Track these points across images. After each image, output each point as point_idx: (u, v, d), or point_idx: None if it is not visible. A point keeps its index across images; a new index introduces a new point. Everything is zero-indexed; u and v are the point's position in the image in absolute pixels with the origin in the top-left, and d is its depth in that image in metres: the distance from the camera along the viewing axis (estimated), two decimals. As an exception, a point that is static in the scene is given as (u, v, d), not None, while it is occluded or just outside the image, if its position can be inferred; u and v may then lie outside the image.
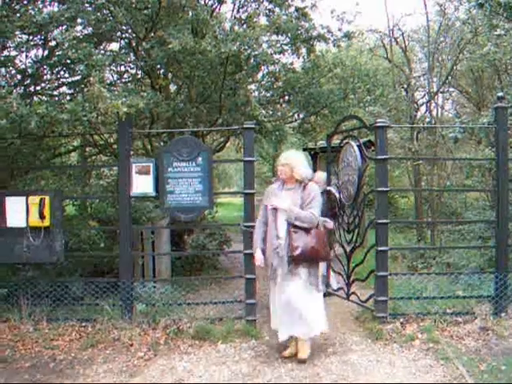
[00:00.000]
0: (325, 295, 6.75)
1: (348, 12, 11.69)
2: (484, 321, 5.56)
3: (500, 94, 6.06)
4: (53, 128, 6.14)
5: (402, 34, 13.13)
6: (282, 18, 7.91)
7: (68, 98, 6.75)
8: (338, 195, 6.83)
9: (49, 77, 7.02)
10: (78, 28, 6.45)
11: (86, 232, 7.16)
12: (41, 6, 6.39)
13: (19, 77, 6.60)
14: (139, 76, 8.92)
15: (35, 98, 6.72)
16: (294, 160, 4.82)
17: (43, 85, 7.11)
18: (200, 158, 5.82)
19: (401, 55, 13.77)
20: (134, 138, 8.18)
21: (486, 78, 11.93)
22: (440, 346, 5.06)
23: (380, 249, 5.73)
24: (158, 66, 8.26)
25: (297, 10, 8.37)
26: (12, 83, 6.33)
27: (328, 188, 6.95)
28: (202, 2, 8.04)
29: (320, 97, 9.76)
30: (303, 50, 8.99)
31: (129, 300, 5.80)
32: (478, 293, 6.20)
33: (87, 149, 10.30)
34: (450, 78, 12.06)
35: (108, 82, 7.33)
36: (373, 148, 7.50)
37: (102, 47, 7.76)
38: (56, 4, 6.63)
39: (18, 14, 5.79)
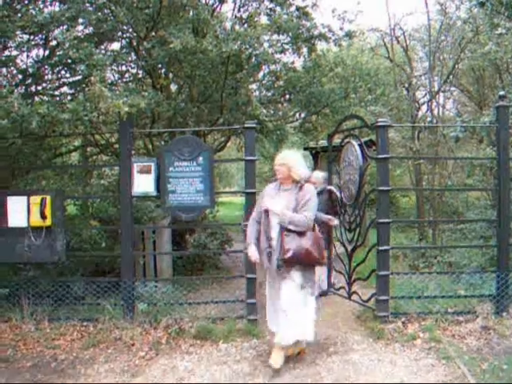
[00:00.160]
0: (322, 295, 6.78)
1: (349, 11, 11.68)
2: (485, 320, 5.55)
3: (501, 92, 6.05)
4: (54, 128, 6.14)
5: (403, 33, 13.13)
6: (283, 17, 7.92)
7: (69, 97, 6.75)
8: (339, 194, 6.82)
9: (50, 77, 7.03)
10: (79, 28, 6.46)
11: (87, 232, 7.16)
12: (42, 5, 6.41)
13: (20, 77, 6.60)
14: (140, 75, 8.91)
15: (36, 98, 6.73)
16: (292, 160, 4.69)
17: (44, 85, 7.12)
18: (201, 158, 5.82)
19: (402, 54, 13.75)
20: (135, 137, 8.19)
21: (487, 77, 11.92)
22: (441, 346, 5.06)
23: (381, 248, 5.73)
24: (159, 66, 8.28)
25: (298, 9, 8.37)
26: (13, 83, 6.34)
27: (329, 187, 6.95)
28: (203, 2, 8.04)
29: (321, 96, 9.75)
30: (304, 50, 8.99)
31: (130, 299, 5.81)
32: (479, 292, 6.20)
33: (88, 148, 10.30)
34: (451, 77, 12.05)
35: (109, 81, 7.32)
36: (374, 147, 7.49)
37: (102, 47, 7.76)
38: (57, 4, 6.65)
39: (19, 14, 5.80)
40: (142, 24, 7.38)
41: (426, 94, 13.88)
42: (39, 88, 7.03)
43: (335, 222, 6.57)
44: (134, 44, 8.07)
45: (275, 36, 8.21)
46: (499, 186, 5.87)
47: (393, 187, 7.82)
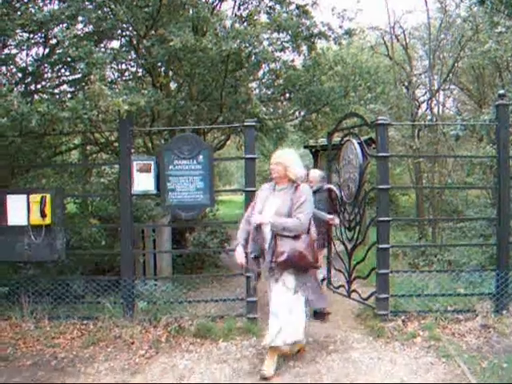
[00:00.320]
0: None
1: (349, 9, 11.63)
2: (485, 318, 5.56)
3: (501, 91, 6.05)
4: (54, 126, 6.15)
5: (403, 31, 13.14)
6: (283, 15, 7.91)
7: (69, 96, 6.73)
8: (338, 193, 6.82)
9: (49, 75, 7.03)
10: (79, 26, 6.46)
11: (87, 230, 7.17)
12: (41, 4, 6.41)
13: (20, 75, 6.60)
14: (140, 74, 8.91)
15: (36, 96, 6.72)
16: (288, 159, 4.58)
17: (44, 83, 7.11)
18: (201, 156, 5.82)
19: (402, 53, 13.75)
20: (135, 135, 8.18)
21: (487, 76, 11.92)
22: (441, 344, 5.06)
23: (381, 246, 5.73)
24: (159, 64, 8.27)
25: (297, 7, 8.36)
26: (13, 81, 6.33)
27: (329, 186, 6.94)
28: (203, 0, 8.02)
29: (321, 94, 9.74)
30: (304, 48, 8.97)
31: (130, 298, 5.81)
32: (479, 290, 6.20)
33: (88, 147, 10.29)
34: (451, 75, 12.04)
35: (109, 80, 7.32)
36: (374, 146, 7.49)
37: (102, 45, 7.74)
38: (56, 2, 6.65)
39: (19, 12, 5.79)
40: (142, 22, 7.37)
41: (425, 93, 13.90)
42: (39, 86, 7.02)
43: (336, 220, 6.55)
44: (134, 42, 8.07)
45: (275, 34, 8.20)
46: (499, 184, 5.87)
47: (393, 185, 7.84)
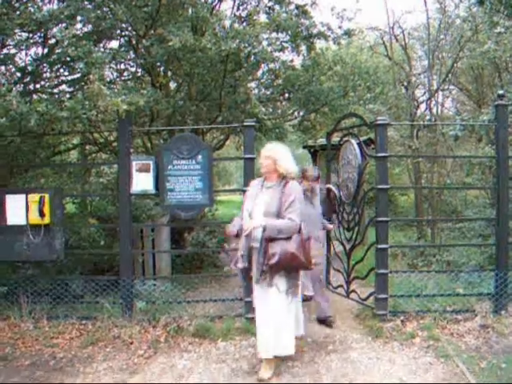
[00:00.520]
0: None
1: (348, 9, 11.66)
2: (484, 319, 5.56)
3: (500, 91, 6.06)
4: (52, 126, 6.13)
5: (403, 31, 13.13)
6: (282, 15, 7.90)
7: (68, 95, 6.73)
8: (337, 193, 6.81)
9: (48, 75, 7.02)
10: (78, 26, 6.43)
11: (86, 230, 7.17)
12: (40, 3, 6.39)
13: (19, 75, 6.59)
14: (139, 74, 8.90)
15: (35, 96, 6.70)
16: (278, 153, 4.40)
17: (43, 83, 7.10)
18: (200, 156, 5.81)
19: (401, 53, 13.74)
20: (134, 135, 8.17)
21: (486, 76, 11.92)
22: (440, 344, 5.07)
23: (380, 247, 5.74)
24: (158, 64, 8.25)
25: (297, 7, 8.34)
26: (12, 81, 6.32)
27: (328, 186, 6.93)
28: (202, 0, 8.02)
29: (320, 94, 9.74)
30: (303, 48, 8.96)
31: (129, 298, 5.81)
32: (478, 291, 6.21)
33: (87, 147, 10.28)
34: (450, 75, 12.04)
35: (108, 79, 7.32)
36: (373, 146, 7.49)
37: (101, 45, 7.73)
38: (55, 2, 6.64)
39: (18, 12, 5.78)
40: (141, 22, 7.36)
41: (424, 93, 13.87)
42: (38, 86, 7.01)
43: (330, 227, 6.51)
44: (133, 42, 8.06)
45: (274, 34, 8.18)
46: (498, 184, 5.88)
47: (392, 186, 7.82)
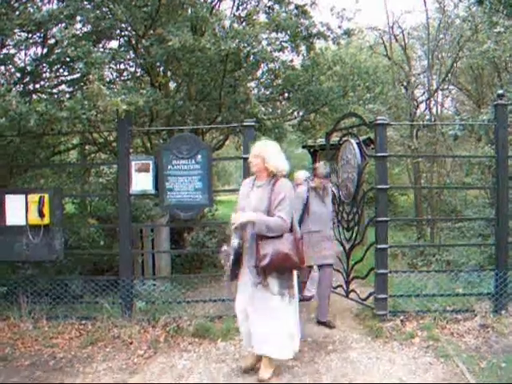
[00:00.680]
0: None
1: (348, 9, 11.64)
2: (484, 318, 5.56)
3: (500, 91, 6.05)
4: (52, 126, 6.13)
5: (402, 31, 13.14)
6: (282, 15, 7.90)
7: (67, 95, 6.73)
8: (337, 193, 6.81)
9: (48, 75, 7.02)
10: (77, 26, 6.43)
11: (85, 230, 7.17)
12: (40, 3, 6.39)
13: (18, 75, 6.59)
14: (138, 74, 8.91)
15: (34, 96, 6.70)
16: (268, 151, 4.25)
17: (42, 83, 7.10)
18: (199, 156, 5.81)
19: (400, 53, 13.75)
20: (134, 135, 8.17)
21: (485, 76, 11.93)
22: (440, 344, 5.07)
23: (380, 246, 5.73)
24: (158, 64, 8.26)
25: (296, 7, 8.35)
26: (11, 81, 6.32)
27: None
28: (202, 0, 8.02)
29: (319, 94, 9.74)
30: (303, 48, 8.97)
31: (128, 298, 5.81)
32: (477, 290, 6.20)
33: (86, 147, 10.27)
34: (449, 75, 12.05)
35: (107, 79, 7.32)
36: (372, 146, 7.49)
37: (101, 45, 7.74)
38: (55, 2, 6.64)
39: (17, 12, 5.78)
40: (141, 22, 7.36)
41: (424, 93, 13.87)
42: (37, 86, 7.01)
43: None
44: (133, 42, 8.06)
45: (274, 34, 8.19)
46: (497, 184, 5.88)
47: (391, 185, 7.83)
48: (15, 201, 5.75)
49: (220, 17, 7.17)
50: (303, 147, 15.33)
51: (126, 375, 4.59)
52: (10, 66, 6.52)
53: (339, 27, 9.13)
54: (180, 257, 8.63)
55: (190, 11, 7.57)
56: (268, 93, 10.28)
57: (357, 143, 6.40)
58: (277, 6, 8.33)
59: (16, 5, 6.03)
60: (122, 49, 8.11)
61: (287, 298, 4.22)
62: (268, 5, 8.46)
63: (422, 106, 13.25)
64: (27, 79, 6.67)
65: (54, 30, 6.02)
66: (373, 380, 4.37)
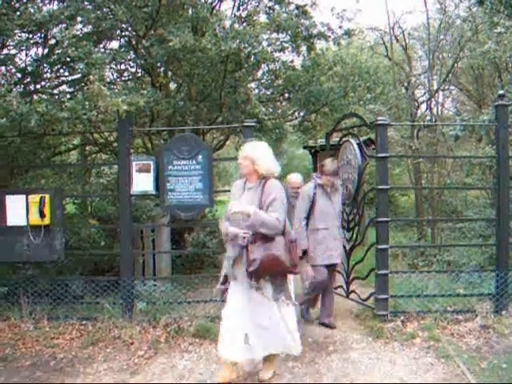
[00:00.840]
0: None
1: (348, 10, 11.63)
2: (485, 319, 5.56)
3: (501, 91, 6.05)
4: (53, 126, 6.13)
5: (403, 31, 13.15)
6: (282, 15, 7.90)
7: (68, 96, 6.74)
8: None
9: (49, 75, 7.01)
10: (78, 26, 6.44)
11: (86, 230, 7.18)
12: (40, 4, 6.38)
13: (19, 75, 6.59)
14: (139, 74, 8.91)
15: (35, 97, 6.71)
16: (257, 152, 4.10)
17: (43, 83, 7.10)
18: (200, 156, 5.81)
19: (401, 53, 13.76)
20: (134, 136, 8.18)
21: (486, 76, 11.91)
22: (441, 344, 5.06)
23: (380, 247, 5.73)
24: (158, 64, 8.26)
25: (297, 7, 8.35)
26: (12, 82, 6.31)
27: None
28: (202, 0, 8.02)
29: (320, 95, 9.74)
30: (303, 48, 8.97)
31: (129, 298, 5.81)
32: (478, 291, 6.20)
33: (87, 147, 10.28)
34: (450, 75, 12.04)
35: (108, 80, 7.32)
36: (373, 146, 7.48)
37: (101, 45, 7.74)
38: (56, 2, 6.64)
39: (18, 13, 5.78)
40: (141, 22, 7.37)
41: (425, 93, 13.86)
42: (38, 86, 7.01)
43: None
44: (133, 42, 8.06)
45: (274, 35, 8.19)
46: (498, 184, 5.87)
47: (392, 186, 7.82)
48: (16, 201, 5.75)
49: (220, 17, 7.17)
50: (304, 148, 15.33)
51: (127, 376, 4.59)
52: (11, 67, 6.52)
53: (340, 27, 9.13)
54: (181, 257, 8.63)
55: (190, 11, 7.57)
56: (269, 93, 10.28)
57: (357, 144, 6.40)
58: (277, 7, 8.33)
59: (17, 5, 6.03)
60: (123, 49, 8.11)
61: (282, 303, 4.09)
62: (268, 5, 8.46)
63: (423, 107, 13.26)
64: (28, 80, 6.67)
65: (55, 30, 6.02)
66: (374, 380, 4.37)
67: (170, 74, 8.92)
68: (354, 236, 6.48)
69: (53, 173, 7.95)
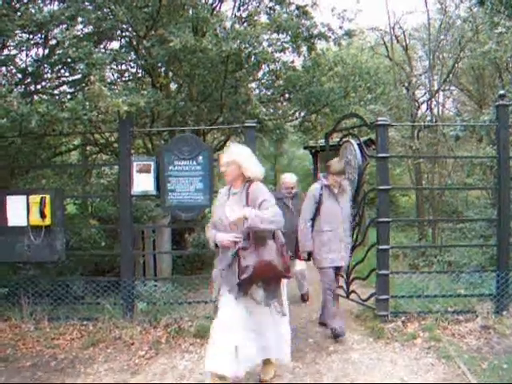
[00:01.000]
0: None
1: (349, 10, 11.66)
2: (485, 319, 5.55)
3: (501, 92, 6.04)
4: (53, 127, 6.14)
5: (403, 32, 13.16)
6: (283, 16, 7.90)
7: (68, 96, 6.74)
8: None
9: (49, 75, 7.01)
10: (79, 27, 6.45)
11: (86, 231, 7.17)
12: (41, 4, 6.39)
13: (20, 76, 6.59)
14: (140, 74, 8.91)
15: (36, 97, 6.71)
16: (242, 155, 3.97)
17: (44, 83, 7.10)
18: (201, 157, 5.81)
19: (402, 53, 13.76)
20: (135, 136, 8.17)
21: (487, 76, 11.91)
22: (441, 345, 5.06)
23: (381, 247, 5.73)
24: (159, 65, 8.26)
25: (297, 8, 8.35)
26: (12, 82, 6.32)
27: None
28: (203, 1, 8.03)
29: (321, 95, 9.74)
30: (304, 49, 8.97)
31: (130, 299, 5.81)
32: (479, 291, 6.20)
33: (88, 147, 10.28)
34: (450, 76, 12.04)
35: (108, 80, 7.32)
36: (373, 146, 7.48)
37: (102, 46, 7.74)
38: (56, 3, 6.64)
39: (19, 13, 5.78)
40: (142, 23, 7.37)
41: (425, 93, 13.88)
42: (38, 87, 7.01)
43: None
44: (134, 43, 8.06)
45: (275, 35, 8.19)
46: (499, 184, 5.87)
47: (393, 186, 7.82)
48: (17, 202, 5.75)
49: (221, 17, 7.17)
50: (304, 148, 15.35)
51: (128, 376, 4.59)
52: (12, 67, 6.52)
53: (340, 28, 9.14)
54: (181, 258, 8.63)
55: (191, 12, 7.57)
56: (269, 93, 10.28)
57: (357, 144, 6.39)
58: (278, 7, 8.34)
59: (17, 6, 6.04)
60: (123, 50, 8.11)
61: (274, 309, 3.95)
62: (269, 5, 8.47)
63: (424, 107, 13.28)
64: (28, 80, 6.68)
65: (56, 30, 6.04)
66: (374, 380, 4.36)
67: (170, 74, 8.92)
68: (355, 236, 6.47)
69: (53, 173, 7.94)
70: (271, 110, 10.53)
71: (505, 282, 5.71)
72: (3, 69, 6.47)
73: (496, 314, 5.66)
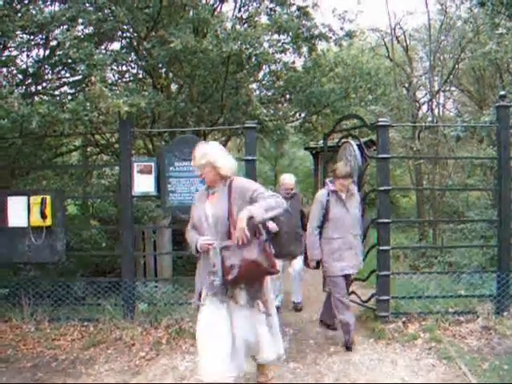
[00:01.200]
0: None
1: (349, 11, 11.73)
2: (486, 320, 5.54)
3: (502, 92, 6.04)
4: (54, 127, 6.15)
5: (404, 32, 13.18)
6: (284, 17, 7.90)
7: (69, 97, 6.76)
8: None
9: (50, 76, 7.03)
10: (79, 27, 6.47)
11: (87, 232, 7.18)
12: (42, 5, 6.41)
13: (20, 76, 6.61)
14: (140, 75, 8.92)
15: (36, 98, 6.73)
16: (213, 154, 3.72)
17: (44, 84, 7.13)
18: (201, 158, 5.79)
19: (402, 54, 13.78)
20: (136, 137, 8.19)
21: (487, 77, 11.93)
22: (442, 346, 5.05)
23: (382, 248, 5.72)
24: (160, 66, 8.26)
25: (298, 8, 8.36)
26: (13, 83, 6.34)
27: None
28: (204, 1, 8.03)
29: (321, 96, 9.74)
30: (304, 49, 8.97)
31: (130, 300, 5.80)
32: (480, 292, 6.20)
33: (88, 148, 10.29)
34: (451, 76, 12.07)
35: (109, 81, 7.33)
36: (374, 147, 7.48)
37: (103, 47, 7.76)
38: (57, 3, 6.65)
39: (19, 14, 5.80)
40: (143, 24, 7.38)
41: (426, 94, 13.91)
42: (39, 88, 7.04)
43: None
44: (135, 44, 8.08)
45: (275, 36, 8.19)
46: (500, 185, 5.87)
47: (393, 187, 7.82)
48: (17, 202, 5.75)
49: (222, 18, 7.18)
50: (305, 149, 15.34)
51: (128, 377, 4.58)
52: (12, 68, 6.54)
53: (341, 29, 9.15)
54: (182, 258, 8.62)
55: (191, 13, 7.58)
56: (270, 94, 10.28)
57: (357, 145, 6.39)
58: (278, 8, 8.34)
59: (18, 7, 6.05)
60: (124, 51, 8.11)
61: (258, 309, 3.72)
62: (270, 6, 8.46)
63: (424, 108, 13.30)
64: (29, 81, 6.69)
65: (56, 31, 6.05)
66: (376, 380, 4.36)
67: (171, 75, 8.93)
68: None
69: (54, 174, 7.95)
70: (272, 111, 10.52)
71: (505, 283, 5.71)
72: (4, 70, 6.49)
73: (497, 314, 5.65)
